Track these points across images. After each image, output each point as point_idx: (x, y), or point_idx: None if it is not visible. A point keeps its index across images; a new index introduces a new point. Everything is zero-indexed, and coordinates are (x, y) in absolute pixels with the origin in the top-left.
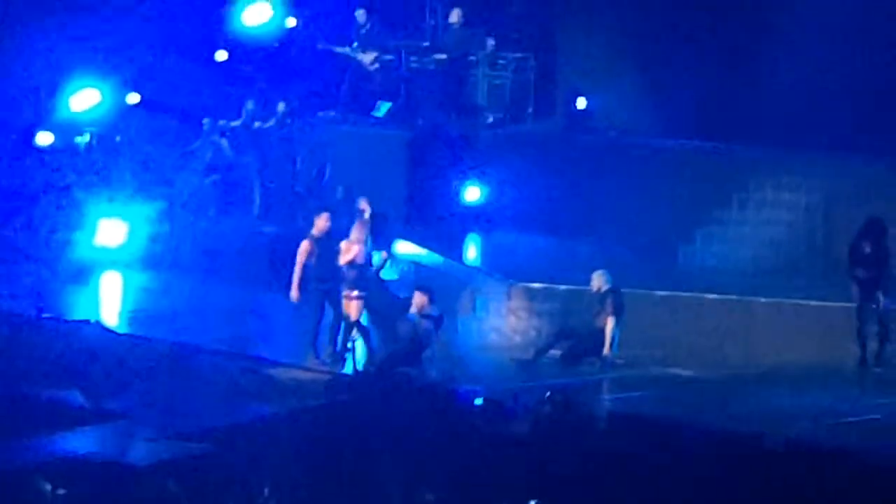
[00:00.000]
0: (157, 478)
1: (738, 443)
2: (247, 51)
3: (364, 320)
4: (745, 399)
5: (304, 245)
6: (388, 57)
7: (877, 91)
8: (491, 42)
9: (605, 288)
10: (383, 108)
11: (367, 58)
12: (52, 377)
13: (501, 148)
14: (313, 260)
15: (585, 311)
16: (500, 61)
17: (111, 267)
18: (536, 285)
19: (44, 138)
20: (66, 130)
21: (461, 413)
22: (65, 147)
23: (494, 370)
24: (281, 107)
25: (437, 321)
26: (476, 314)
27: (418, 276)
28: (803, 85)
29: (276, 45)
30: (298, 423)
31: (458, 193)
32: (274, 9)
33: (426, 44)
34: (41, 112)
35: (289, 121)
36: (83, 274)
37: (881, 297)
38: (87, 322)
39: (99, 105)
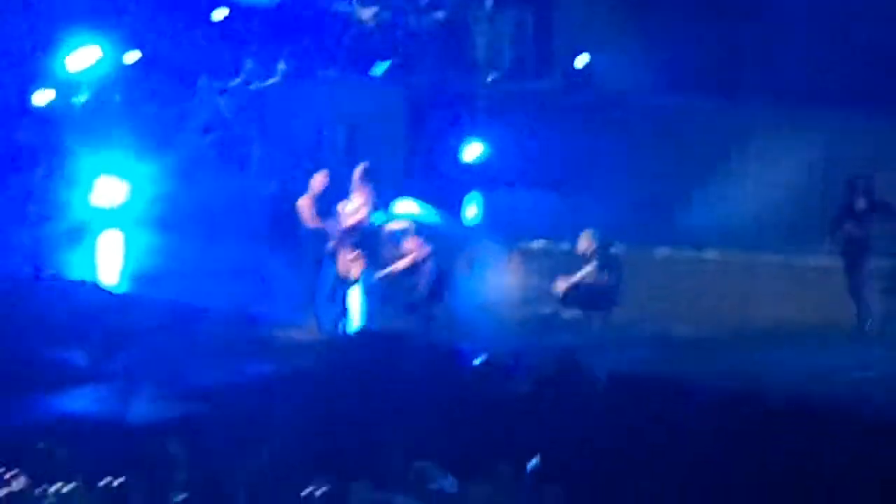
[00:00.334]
0: (157, 438)
1: (740, 401)
2: (246, 9)
3: (365, 280)
4: (746, 357)
5: (303, 202)
6: (387, 15)
7: (882, 47)
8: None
9: (592, 248)
10: (382, 67)
11: (366, 16)
12: (51, 337)
13: (501, 106)
14: (311, 219)
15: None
16: (500, 19)
17: (110, 227)
18: (537, 244)
19: (42, 98)
20: (64, 90)
21: (462, 373)
22: (63, 106)
23: (495, 330)
24: (280, 66)
25: (439, 278)
26: (476, 273)
27: (418, 234)
28: (806, 41)
29: (275, 3)
30: (298, 383)
31: (457, 152)
32: None
33: (425, 2)
34: (39, 71)
35: (288, 80)
36: (82, 234)
37: (869, 256)
38: (85, 282)
39: (97, 64)
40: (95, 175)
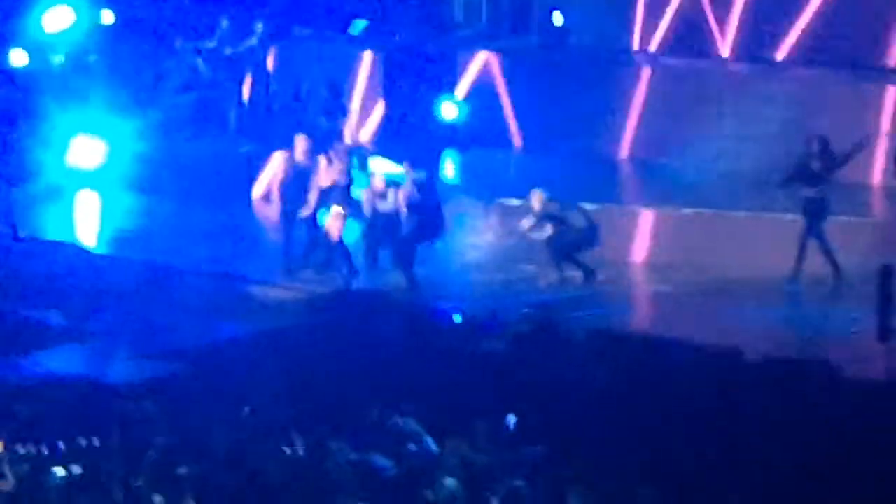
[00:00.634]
0: (135, 396)
1: (717, 357)
2: None
3: (345, 239)
4: (724, 313)
5: (279, 159)
6: None
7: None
8: None
9: (540, 206)
10: (359, 26)
11: None
12: (29, 297)
13: (478, 65)
14: (290, 179)
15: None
16: None
17: (88, 187)
18: (514, 202)
19: (17, 58)
20: (39, 50)
21: (439, 331)
22: (39, 67)
23: (472, 288)
24: (257, 26)
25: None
26: (454, 231)
27: (396, 192)
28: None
29: None
30: (277, 342)
31: (434, 111)
32: None
33: None
34: (14, 32)
35: (264, 40)
36: (59, 195)
37: (826, 214)
38: (63, 243)
39: (73, 25)
40: (72, 136)
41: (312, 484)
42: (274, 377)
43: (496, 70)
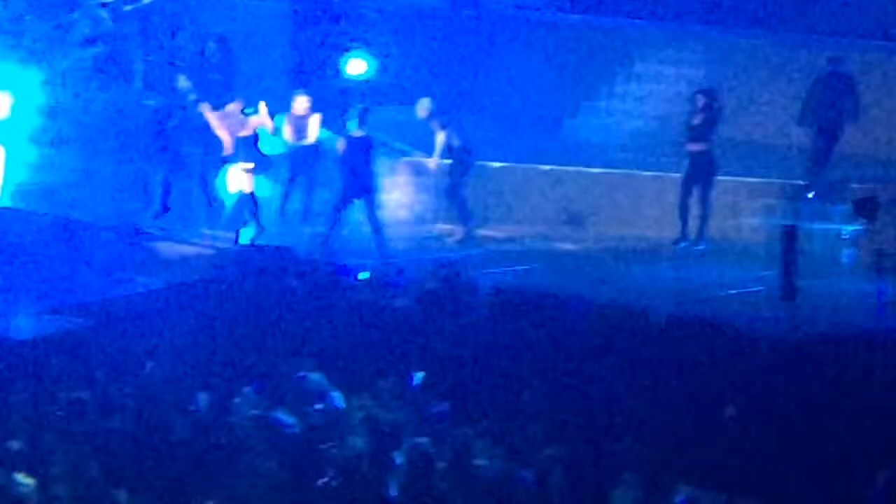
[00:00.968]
0: (40, 352)
1: (623, 316)
2: None
3: (254, 193)
4: (629, 272)
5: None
6: None
7: None
8: None
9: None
10: None
11: None
12: None
13: (387, 21)
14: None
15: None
16: None
17: None
18: (422, 159)
19: None
20: None
21: (346, 287)
22: None
23: (380, 244)
24: None
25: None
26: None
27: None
28: None
29: None
30: (182, 297)
31: (341, 66)
32: None
33: None
34: None
35: None
36: None
37: (711, 171)
38: None
39: None
40: None
41: (216, 440)
42: (179, 333)
43: (405, 27)
